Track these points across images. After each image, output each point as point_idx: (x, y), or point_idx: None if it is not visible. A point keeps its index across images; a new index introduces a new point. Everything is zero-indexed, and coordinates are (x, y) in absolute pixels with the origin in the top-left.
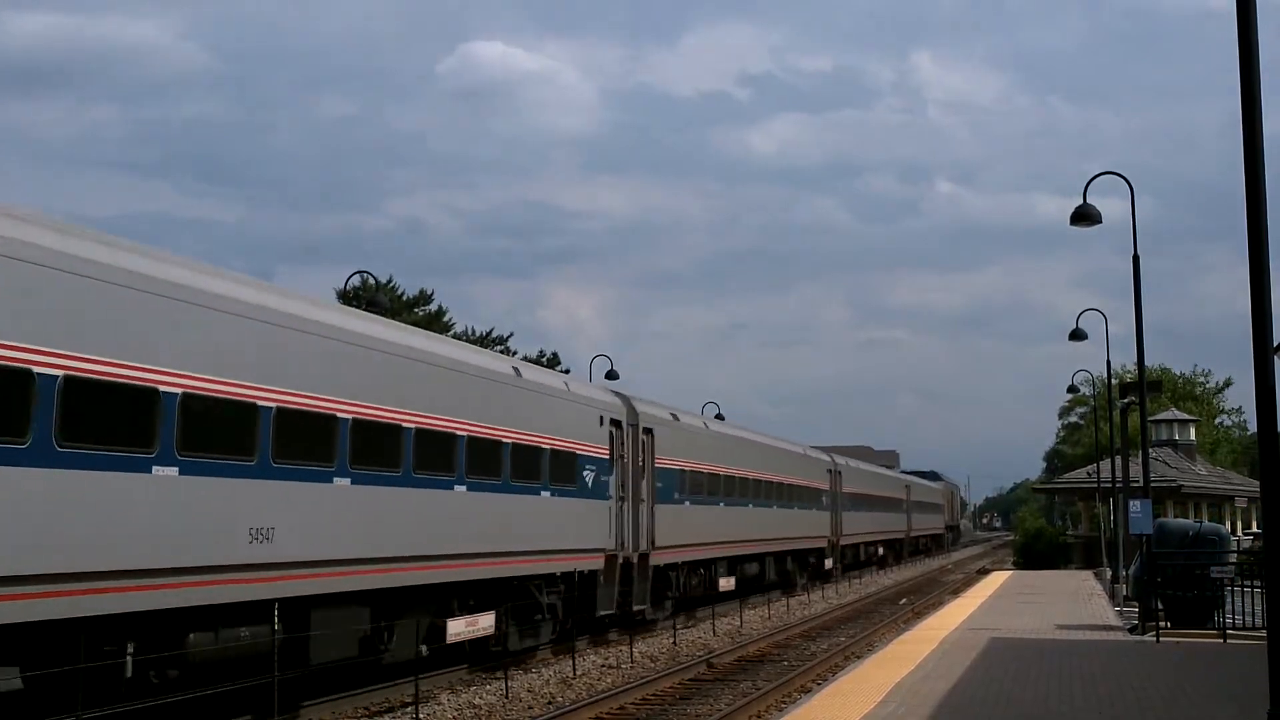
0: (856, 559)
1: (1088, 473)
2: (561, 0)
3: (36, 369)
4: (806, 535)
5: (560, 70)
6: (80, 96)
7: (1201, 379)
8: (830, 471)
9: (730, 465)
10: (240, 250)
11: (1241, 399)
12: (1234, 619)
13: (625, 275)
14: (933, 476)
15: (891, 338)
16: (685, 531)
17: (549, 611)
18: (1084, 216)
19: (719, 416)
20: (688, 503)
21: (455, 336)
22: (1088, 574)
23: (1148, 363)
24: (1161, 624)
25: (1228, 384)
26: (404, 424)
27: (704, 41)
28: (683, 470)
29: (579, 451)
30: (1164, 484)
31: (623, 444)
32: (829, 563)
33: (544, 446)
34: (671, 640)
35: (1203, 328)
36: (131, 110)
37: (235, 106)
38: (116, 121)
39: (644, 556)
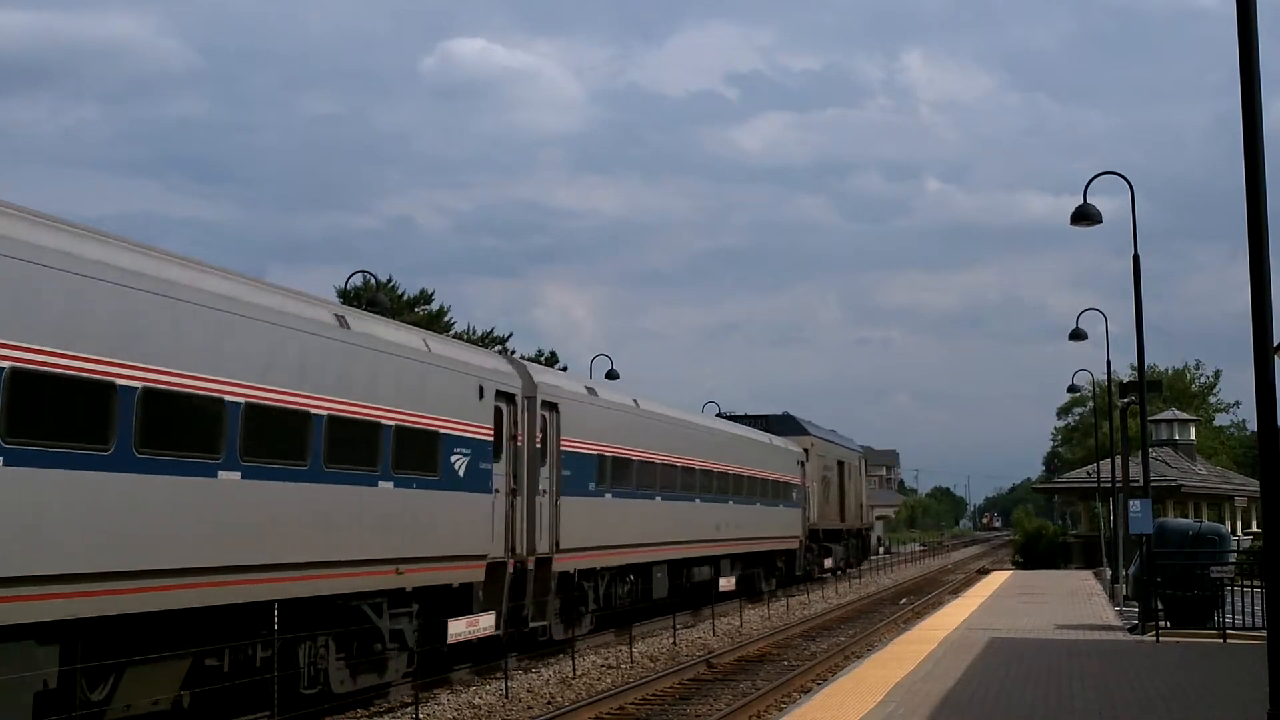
0: None
1: (1088, 473)
2: (549, 0)
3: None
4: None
5: (548, 69)
6: (67, 95)
7: (1192, 372)
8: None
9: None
10: (235, 249)
11: (1235, 393)
12: (1234, 619)
13: (616, 274)
14: (785, 423)
15: (885, 337)
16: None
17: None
18: (1084, 216)
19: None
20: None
21: (455, 336)
22: (1088, 574)
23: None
24: (1161, 624)
25: (1218, 376)
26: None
27: (692, 41)
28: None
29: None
30: (1164, 484)
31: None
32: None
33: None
34: (671, 640)
35: (1194, 327)
36: (120, 109)
37: (223, 105)
38: (105, 120)
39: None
